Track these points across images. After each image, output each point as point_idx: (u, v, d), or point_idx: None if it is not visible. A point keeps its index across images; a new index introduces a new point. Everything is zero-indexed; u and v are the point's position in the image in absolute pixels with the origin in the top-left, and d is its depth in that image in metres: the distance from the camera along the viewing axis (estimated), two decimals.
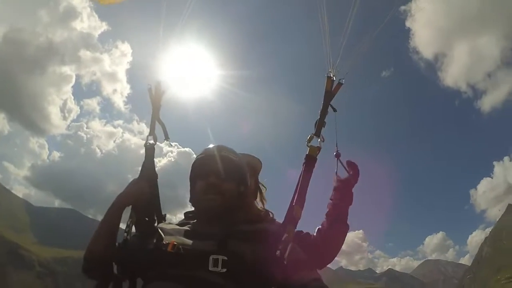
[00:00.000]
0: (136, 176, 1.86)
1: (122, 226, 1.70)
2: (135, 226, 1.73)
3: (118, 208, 1.68)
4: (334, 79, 1.84)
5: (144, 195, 1.76)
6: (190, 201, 1.74)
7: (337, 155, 1.91)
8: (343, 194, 1.83)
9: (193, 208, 1.77)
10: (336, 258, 1.88)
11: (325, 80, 1.85)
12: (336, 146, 1.91)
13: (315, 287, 1.33)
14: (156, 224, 1.77)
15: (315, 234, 1.84)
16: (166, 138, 2.02)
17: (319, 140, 1.78)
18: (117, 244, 1.64)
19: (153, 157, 1.91)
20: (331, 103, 1.83)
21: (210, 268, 1.36)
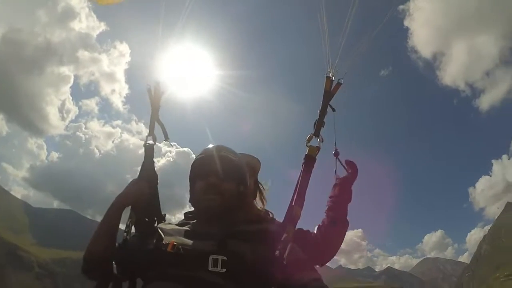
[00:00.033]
0: (135, 176, 1.86)
1: (122, 226, 1.70)
2: (134, 227, 1.73)
3: (118, 208, 1.68)
4: (333, 79, 1.84)
5: (144, 195, 1.76)
6: (190, 201, 1.74)
7: (336, 154, 1.91)
8: (342, 191, 1.83)
9: (192, 208, 1.77)
10: (335, 257, 1.88)
11: (324, 80, 1.85)
12: (335, 145, 1.91)
13: (315, 287, 1.33)
14: (156, 224, 1.77)
15: (315, 231, 1.85)
16: (166, 138, 2.02)
17: (318, 140, 1.78)
18: (117, 244, 1.64)
19: (153, 157, 1.92)
20: (330, 103, 1.83)
21: (210, 268, 1.36)
